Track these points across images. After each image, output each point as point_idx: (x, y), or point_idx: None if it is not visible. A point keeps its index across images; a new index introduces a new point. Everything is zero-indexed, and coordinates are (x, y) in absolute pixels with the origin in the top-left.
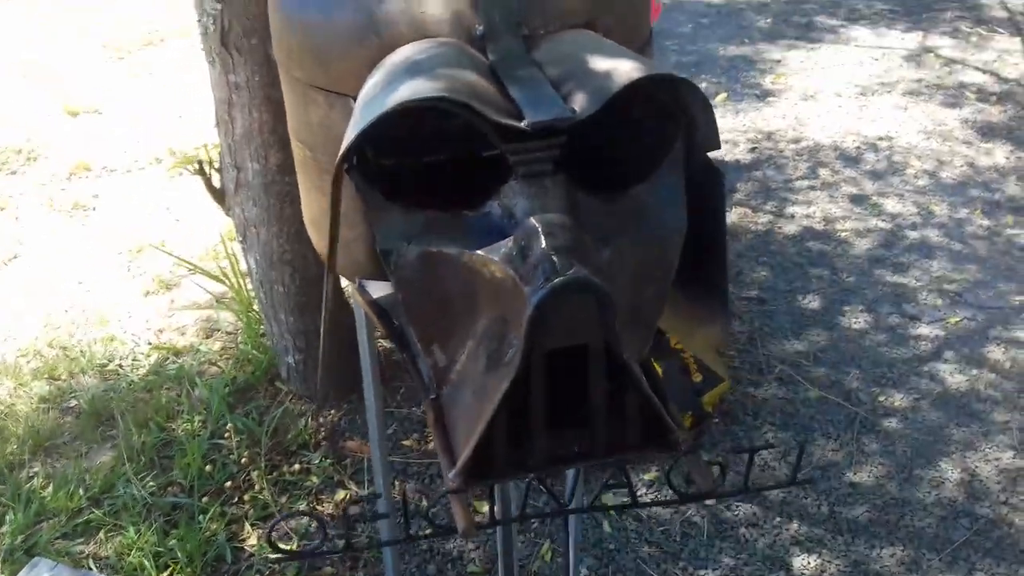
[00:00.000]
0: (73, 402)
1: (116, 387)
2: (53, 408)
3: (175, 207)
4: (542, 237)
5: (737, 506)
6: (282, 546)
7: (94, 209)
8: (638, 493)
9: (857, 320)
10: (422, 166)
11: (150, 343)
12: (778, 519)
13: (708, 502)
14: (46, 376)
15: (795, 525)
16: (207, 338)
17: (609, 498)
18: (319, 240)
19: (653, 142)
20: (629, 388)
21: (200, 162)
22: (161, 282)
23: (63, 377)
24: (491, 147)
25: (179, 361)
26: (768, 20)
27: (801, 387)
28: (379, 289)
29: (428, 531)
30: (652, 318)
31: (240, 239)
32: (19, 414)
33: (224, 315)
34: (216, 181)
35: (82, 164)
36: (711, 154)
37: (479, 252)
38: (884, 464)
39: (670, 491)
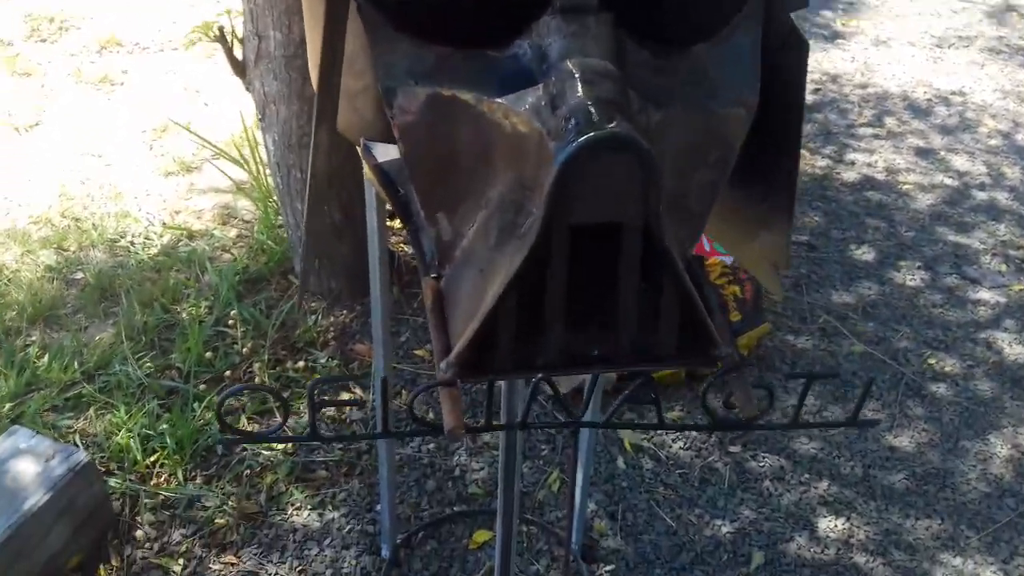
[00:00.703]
0: (79, 275)
1: (124, 264)
2: (58, 278)
3: (205, 90)
4: (579, 84)
5: (763, 456)
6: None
7: (122, 84)
8: (656, 433)
9: (912, 277)
10: None
11: (164, 223)
12: (807, 475)
13: (733, 447)
14: (55, 246)
15: (824, 484)
16: (223, 224)
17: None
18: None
19: None
20: (668, 284)
21: (221, 28)
22: (182, 164)
23: (72, 248)
24: None
25: (192, 244)
26: None
27: (845, 340)
28: (388, 153)
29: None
30: (702, 210)
31: (259, 116)
32: (23, 281)
33: (243, 203)
34: (239, 53)
35: (114, 38)
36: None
37: (500, 100)
38: (928, 431)
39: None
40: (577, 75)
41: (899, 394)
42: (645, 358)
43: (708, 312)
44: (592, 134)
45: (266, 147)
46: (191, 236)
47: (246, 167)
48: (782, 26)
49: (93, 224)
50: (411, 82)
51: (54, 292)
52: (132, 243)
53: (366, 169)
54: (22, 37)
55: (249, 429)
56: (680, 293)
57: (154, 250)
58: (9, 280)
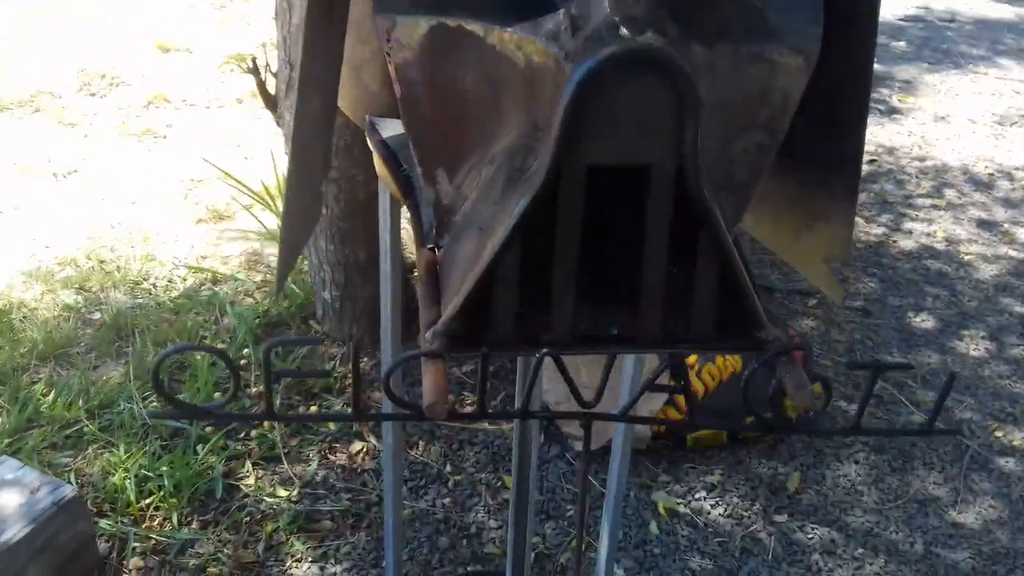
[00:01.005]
0: (97, 315)
1: (144, 305)
2: (75, 317)
3: (246, 144)
4: (607, 1)
5: (812, 528)
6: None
7: (165, 137)
8: (693, 498)
9: (976, 347)
10: None
11: (188, 266)
12: (860, 550)
13: (779, 516)
14: (76, 286)
15: (881, 561)
16: (249, 270)
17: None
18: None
19: None
20: (706, 247)
21: (254, 59)
22: (215, 212)
23: (93, 289)
24: None
25: (215, 288)
26: (903, 42)
27: (904, 409)
28: (391, 128)
29: (394, 411)
30: (749, 180)
31: (287, 151)
32: (39, 319)
33: (271, 248)
34: (273, 87)
35: (162, 95)
36: None
37: (514, 29)
38: (995, 507)
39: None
40: None
41: (963, 467)
42: (676, 339)
43: (753, 284)
44: (617, 47)
45: None
46: (215, 280)
47: (274, 209)
48: None
49: (117, 267)
50: (410, 11)
51: (69, 331)
52: (155, 285)
53: (377, 162)
54: (73, 90)
55: (254, 475)
56: (722, 259)
57: (175, 292)
58: (25, 317)
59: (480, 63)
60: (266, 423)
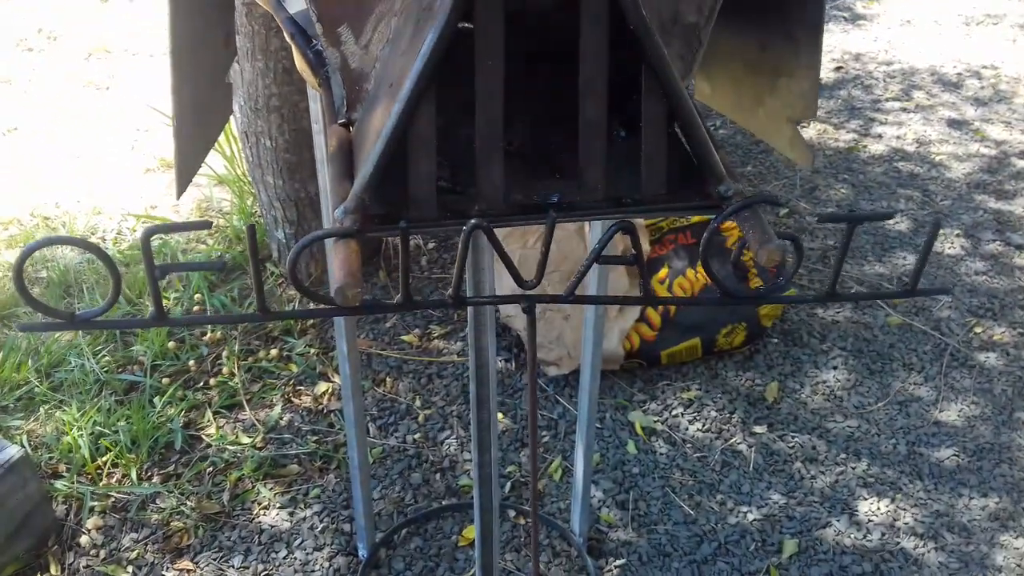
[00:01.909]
0: (44, 272)
1: (92, 260)
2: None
3: None
4: None
5: (793, 436)
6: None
7: (107, 89)
8: (670, 415)
9: (952, 245)
10: None
11: (137, 217)
12: (843, 455)
13: (758, 427)
14: (21, 244)
15: (864, 464)
16: (201, 216)
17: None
18: None
19: None
20: (651, 92)
21: None
22: (164, 161)
23: None
24: None
25: (165, 237)
26: None
27: (880, 311)
28: (300, 3)
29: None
30: (699, 21)
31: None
32: None
33: (222, 192)
34: None
35: (103, 46)
36: None
37: None
38: (978, 403)
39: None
40: None
41: (943, 366)
42: (622, 202)
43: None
44: None
45: (235, 117)
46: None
47: (220, 151)
48: None
49: (63, 223)
50: None
51: (14, 290)
52: (103, 239)
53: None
54: (9, 47)
55: (215, 424)
56: (671, 101)
57: (124, 245)
58: None
59: None
60: (224, 363)
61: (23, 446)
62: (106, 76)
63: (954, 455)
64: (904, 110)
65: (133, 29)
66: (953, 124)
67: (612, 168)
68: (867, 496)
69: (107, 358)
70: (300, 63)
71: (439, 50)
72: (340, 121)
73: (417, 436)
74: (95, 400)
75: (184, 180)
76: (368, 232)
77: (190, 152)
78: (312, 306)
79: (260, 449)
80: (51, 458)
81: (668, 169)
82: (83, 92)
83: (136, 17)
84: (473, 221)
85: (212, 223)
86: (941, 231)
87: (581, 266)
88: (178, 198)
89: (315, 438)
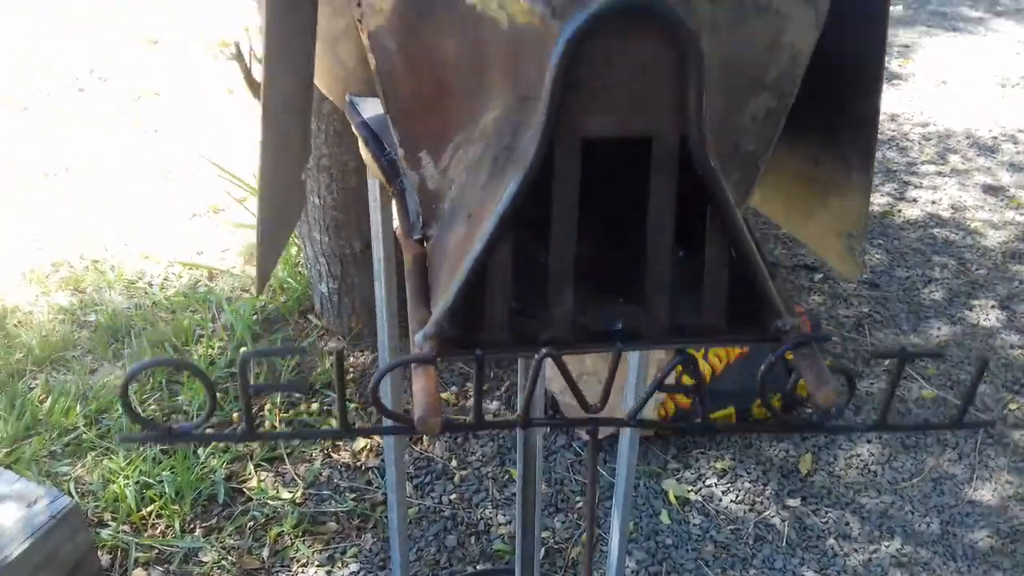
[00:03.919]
0: (92, 316)
1: (140, 305)
2: (71, 320)
3: (238, 134)
4: None
5: (826, 511)
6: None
7: (156, 131)
8: (704, 485)
9: (987, 317)
10: None
11: (183, 263)
12: (876, 533)
13: (791, 500)
14: (71, 287)
15: (897, 543)
16: (245, 263)
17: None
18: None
19: None
20: (715, 228)
21: (237, 45)
22: (211, 206)
23: (88, 290)
24: None
25: (211, 284)
26: (899, 6)
27: (914, 384)
28: (374, 108)
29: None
30: (758, 150)
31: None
32: (34, 323)
33: None
34: (258, 74)
35: (152, 89)
36: None
37: None
38: (1012, 482)
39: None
40: None
41: (977, 443)
42: (685, 332)
43: (768, 268)
44: (605, 2)
45: None
46: (211, 276)
47: None
48: None
49: (111, 266)
50: None
51: (65, 334)
52: (150, 284)
53: (360, 146)
54: (61, 87)
55: (257, 477)
56: (732, 240)
57: (171, 291)
58: (20, 322)
59: (459, 27)
60: (266, 416)
61: (71, 495)
62: (155, 119)
63: (988, 536)
64: (940, 174)
65: (182, 73)
66: (988, 190)
67: (673, 292)
68: None
69: (153, 407)
70: (373, 168)
71: (520, 194)
72: (415, 237)
73: (453, 497)
74: (140, 450)
75: (264, 279)
76: (445, 357)
77: (270, 252)
78: (387, 422)
79: (299, 505)
80: (97, 506)
81: (728, 304)
82: (132, 133)
83: (183, 59)
84: (544, 351)
85: (309, 384)
86: (976, 301)
87: (643, 393)
88: (258, 295)
89: (353, 495)
